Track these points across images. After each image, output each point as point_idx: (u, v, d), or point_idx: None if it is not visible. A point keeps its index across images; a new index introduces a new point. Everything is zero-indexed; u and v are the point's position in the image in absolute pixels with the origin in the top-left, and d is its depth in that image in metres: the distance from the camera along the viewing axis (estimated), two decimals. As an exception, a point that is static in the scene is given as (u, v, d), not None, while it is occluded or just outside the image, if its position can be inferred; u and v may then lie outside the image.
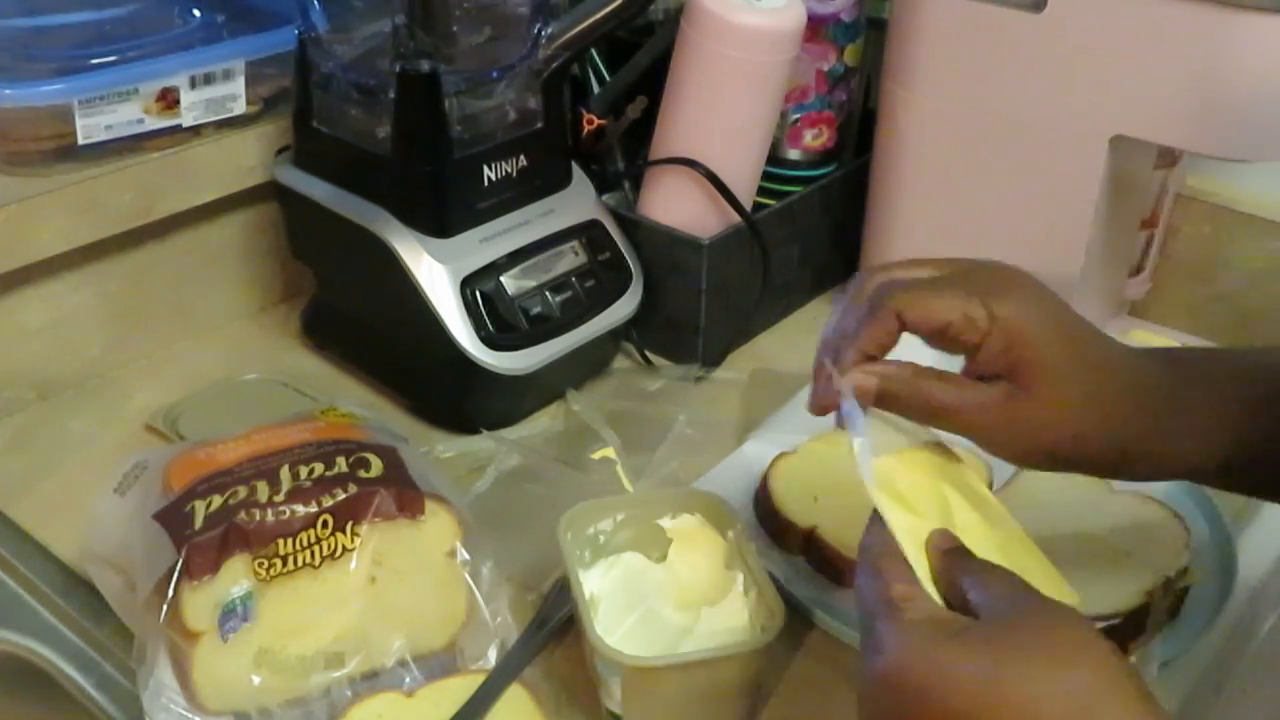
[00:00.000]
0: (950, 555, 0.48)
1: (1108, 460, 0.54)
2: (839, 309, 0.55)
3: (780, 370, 0.92)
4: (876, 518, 0.50)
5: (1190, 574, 0.68)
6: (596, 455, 0.81)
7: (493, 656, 0.65)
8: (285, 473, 0.64)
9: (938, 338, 0.52)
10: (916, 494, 0.51)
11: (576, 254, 0.86)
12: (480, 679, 0.62)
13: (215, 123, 0.88)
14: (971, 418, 0.52)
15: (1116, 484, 0.74)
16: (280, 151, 0.89)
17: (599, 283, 0.86)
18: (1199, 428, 0.54)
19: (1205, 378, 0.56)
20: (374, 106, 0.81)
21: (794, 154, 0.99)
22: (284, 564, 0.60)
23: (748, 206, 0.91)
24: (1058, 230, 0.86)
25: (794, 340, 0.98)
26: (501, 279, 0.81)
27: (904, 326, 0.52)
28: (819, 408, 0.53)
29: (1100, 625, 0.64)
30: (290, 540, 0.61)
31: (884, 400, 0.52)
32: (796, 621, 0.69)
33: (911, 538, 0.48)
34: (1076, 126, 0.81)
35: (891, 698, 0.42)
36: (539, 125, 0.85)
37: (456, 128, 0.80)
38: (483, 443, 0.82)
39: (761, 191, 0.95)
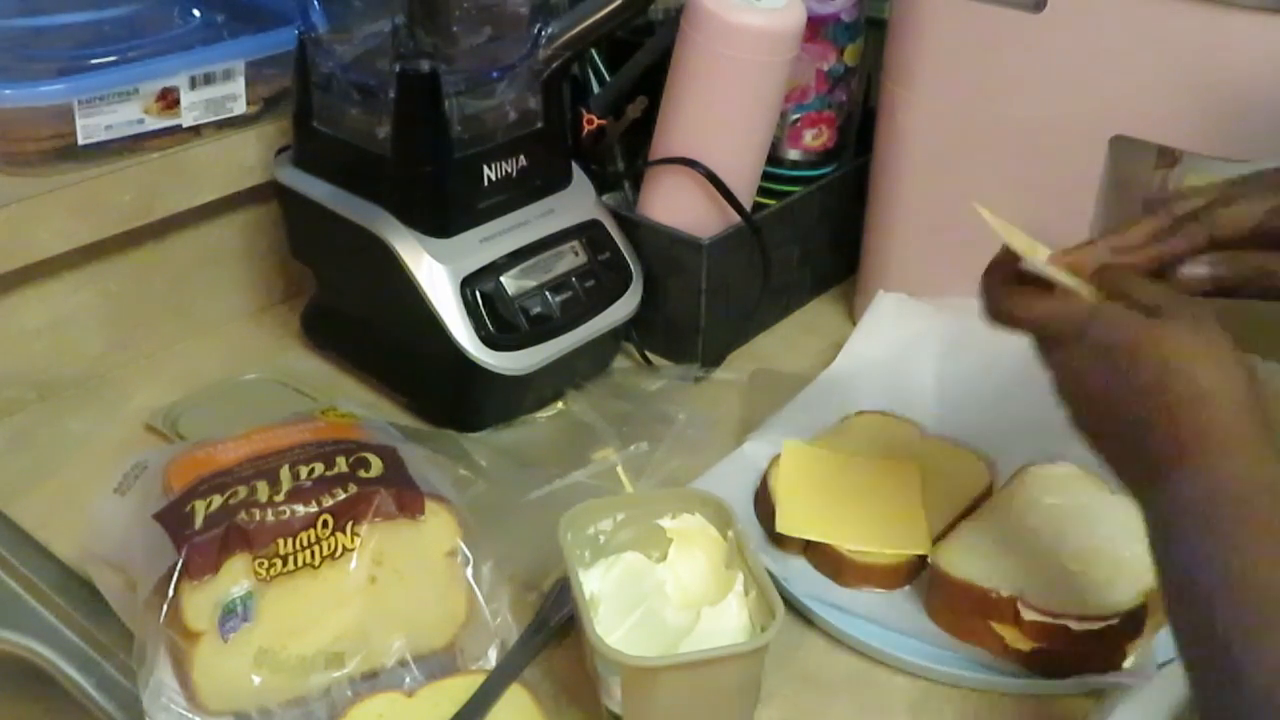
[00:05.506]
0: (1107, 270, 0.58)
1: None
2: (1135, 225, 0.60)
3: (780, 370, 0.92)
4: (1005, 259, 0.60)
5: (1190, 574, 0.68)
6: (596, 455, 0.81)
7: (493, 656, 0.65)
8: (285, 473, 0.64)
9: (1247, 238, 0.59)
10: None
11: (576, 254, 0.86)
12: (480, 679, 0.62)
13: (215, 123, 0.88)
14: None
15: (1115, 486, 0.74)
16: (280, 151, 0.89)
17: (599, 283, 0.86)
18: None
19: None
20: (374, 106, 0.81)
21: (794, 154, 0.99)
22: (284, 564, 0.60)
23: (748, 206, 0.91)
24: (1058, 230, 0.86)
25: (794, 340, 0.98)
26: (501, 279, 0.81)
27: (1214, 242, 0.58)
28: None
29: (1099, 625, 0.64)
30: (290, 540, 0.61)
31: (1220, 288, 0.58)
32: (796, 621, 0.69)
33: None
34: (1076, 126, 0.81)
35: (1088, 363, 0.54)
36: (539, 125, 0.85)
37: (456, 128, 0.80)
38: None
39: (761, 191, 0.95)
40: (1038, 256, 0.59)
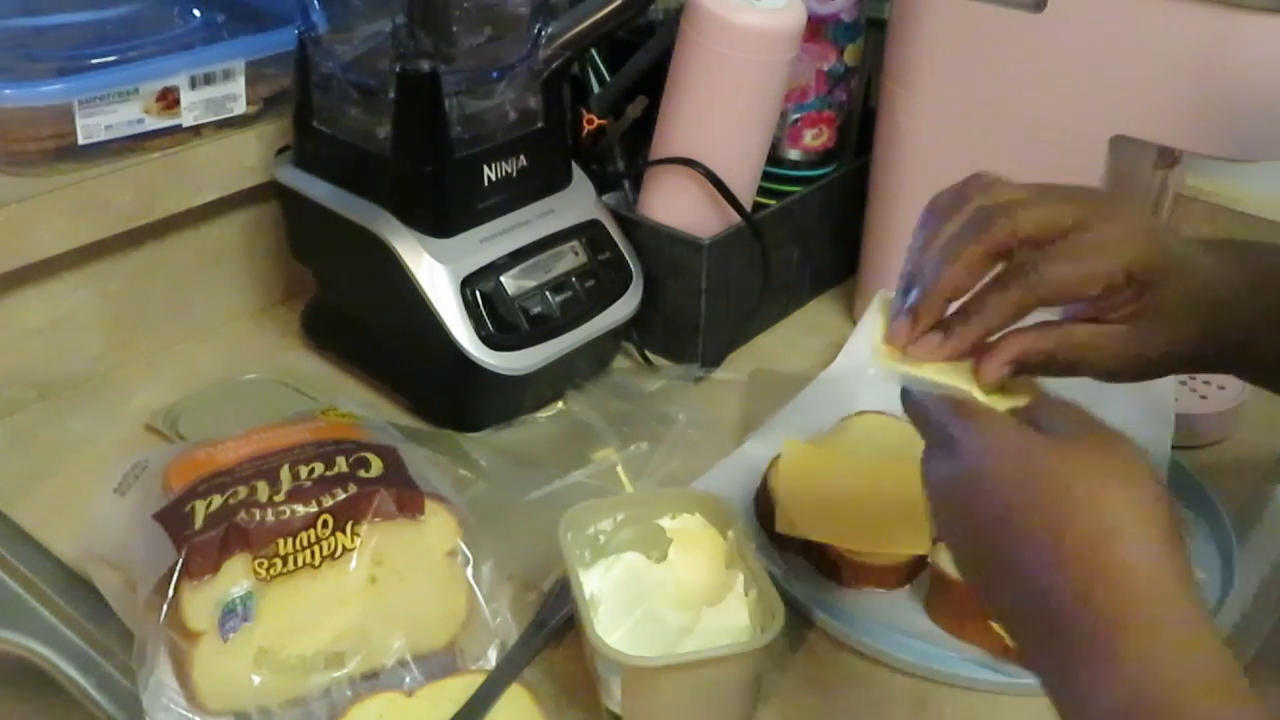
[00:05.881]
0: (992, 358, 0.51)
1: (1202, 360, 0.58)
2: (949, 228, 0.54)
3: (780, 370, 0.92)
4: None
5: (1190, 574, 0.68)
6: (596, 455, 0.81)
7: (493, 656, 0.65)
8: (285, 473, 0.64)
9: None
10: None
11: (576, 254, 0.86)
12: (480, 679, 0.62)
13: (215, 123, 0.88)
14: (1090, 359, 0.55)
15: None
16: (280, 151, 0.89)
17: (599, 283, 0.86)
18: (1273, 321, 0.58)
19: (1273, 274, 0.59)
20: (374, 106, 0.81)
21: (794, 154, 0.99)
22: (284, 564, 0.60)
23: (748, 206, 0.91)
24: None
25: (794, 340, 0.98)
26: (501, 279, 0.81)
27: (1040, 298, 0.52)
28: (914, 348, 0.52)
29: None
30: (290, 540, 0.61)
31: (1025, 368, 0.52)
32: (796, 621, 0.69)
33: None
34: (1076, 126, 0.81)
35: (977, 488, 0.45)
36: (539, 125, 0.85)
37: (456, 128, 0.80)
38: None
39: (761, 191, 0.95)
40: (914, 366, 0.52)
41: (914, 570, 0.71)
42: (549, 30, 0.83)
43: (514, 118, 0.84)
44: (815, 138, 0.98)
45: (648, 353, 0.93)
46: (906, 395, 0.52)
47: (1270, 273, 0.59)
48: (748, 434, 0.83)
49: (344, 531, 0.62)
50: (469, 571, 0.65)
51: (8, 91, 0.79)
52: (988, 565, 0.46)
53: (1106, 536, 0.42)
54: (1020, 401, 0.51)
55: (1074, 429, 0.46)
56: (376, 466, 0.65)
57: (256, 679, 0.60)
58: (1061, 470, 0.44)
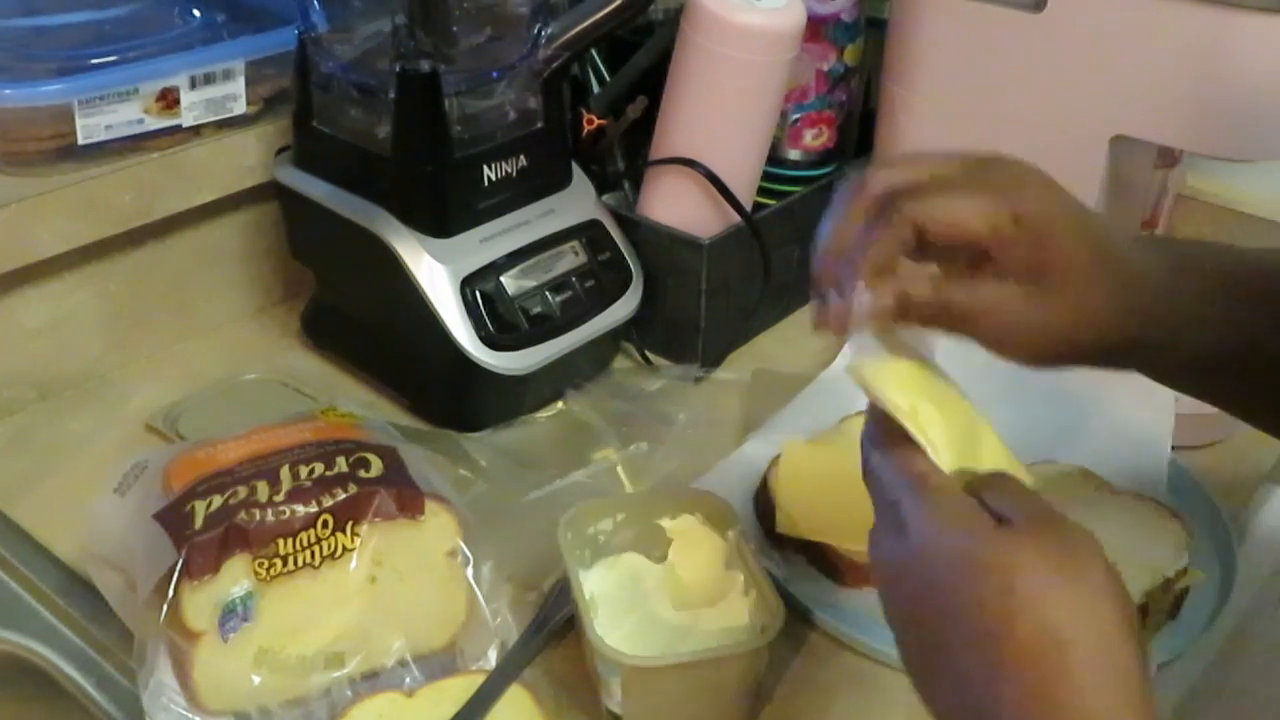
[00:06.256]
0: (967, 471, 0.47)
1: (1118, 353, 0.53)
2: (838, 209, 0.51)
3: (780, 370, 0.92)
4: (874, 415, 0.49)
5: (1190, 574, 0.68)
6: (596, 455, 0.81)
7: (493, 656, 0.65)
8: (285, 473, 0.64)
9: (956, 244, 0.50)
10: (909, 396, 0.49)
11: (576, 254, 0.86)
12: (480, 679, 0.62)
13: (215, 123, 0.88)
14: (992, 320, 0.50)
15: (1116, 484, 0.74)
16: (280, 151, 0.89)
17: (599, 283, 0.86)
18: (1195, 315, 0.54)
19: (1195, 267, 0.55)
20: (374, 106, 0.81)
21: (794, 154, 0.99)
22: (284, 564, 0.60)
23: (748, 206, 0.91)
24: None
25: (794, 340, 0.98)
26: (501, 279, 0.81)
27: (923, 237, 0.49)
28: (829, 325, 0.50)
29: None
30: (290, 540, 0.61)
31: (904, 313, 0.49)
32: (796, 621, 0.69)
33: (920, 428, 0.47)
34: (1076, 126, 0.81)
35: (920, 575, 0.43)
36: (539, 125, 0.85)
37: (456, 128, 0.80)
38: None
39: (761, 191, 0.95)
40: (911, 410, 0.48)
41: (914, 570, 0.71)
42: (549, 30, 0.83)
43: (514, 118, 0.84)
44: (815, 138, 0.98)
45: (648, 353, 0.93)
46: (865, 464, 0.49)
47: (1191, 262, 0.55)
48: (748, 434, 0.83)
49: (344, 531, 0.62)
50: (469, 571, 0.65)
51: (8, 91, 0.79)
52: (928, 662, 0.44)
53: (1049, 646, 0.40)
54: (988, 465, 0.49)
55: (1023, 513, 0.43)
56: (376, 466, 0.65)
57: (256, 679, 0.60)
58: (1007, 565, 0.41)
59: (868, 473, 0.48)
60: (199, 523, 0.61)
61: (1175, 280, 0.54)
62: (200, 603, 0.59)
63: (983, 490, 0.45)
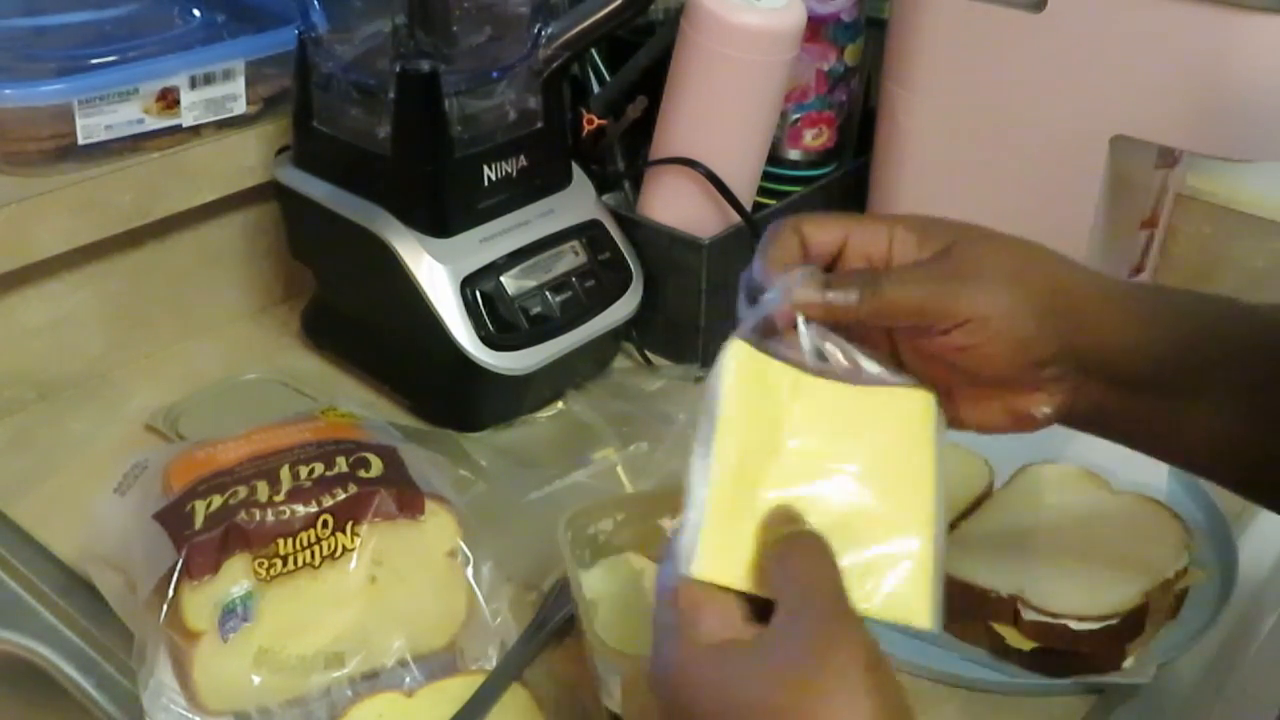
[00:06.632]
0: (773, 517, 0.46)
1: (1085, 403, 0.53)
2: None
3: (780, 370, 0.92)
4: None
5: (1190, 574, 0.68)
6: (596, 455, 0.81)
7: (493, 656, 0.65)
8: (285, 473, 0.64)
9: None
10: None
11: (576, 254, 0.86)
12: (480, 679, 0.62)
13: (215, 123, 0.88)
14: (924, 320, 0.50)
15: (1117, 484, 0.74)
16: (280, 151, 0.89)
17: (599, 283, 0.86)
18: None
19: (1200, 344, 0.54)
20: (374, 106, 0.81)
21: (794, 154, 0.99)
22: (284, 564, 0.60)
23: (748, 206, 0.91)
24: (1058, 230, 0.85)
25: (794, 340, 0.98)
26: (501, 279, 0.81)
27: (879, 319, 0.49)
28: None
29: (1099, 625, 0.64)
30: (290, 540, 0.61)
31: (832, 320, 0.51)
32: (796, 621, 0.69)
33: (737, 477, 0.46)
34: (1076, 126, 0.81)
35: (666, 700, 0.43)
36: (539, 125, 0.85)
37: (456, 128, 0.80)
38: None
39: (761, 191, 0.95)
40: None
41: (914, 570, 0.71)
42: (549, 30, 0.83)
43: (514, 118, 0.84)
44: (815, 138, 0.98)
45: (648, 353, 0.93)
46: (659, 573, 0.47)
47: (1140, 296, 0.53)
48: (748, 434, 0.83)
49: (344, 531, 0.62)
50: (469, 572, 0.65)
51: (8, 91, 0.79)
52: None
53: None
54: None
55: (792, 613, 0.42)
56: (376, 466, 0.65)
57: (256, 679, 0.60)
58: (760, 705, 0.40)
59: (657, 581, 0.47)
60: (199, 523, 0.61)
61: (1115, 300, 0.52)
62: (200, 603, 0.59)
63: (769, 560, 0.44)
